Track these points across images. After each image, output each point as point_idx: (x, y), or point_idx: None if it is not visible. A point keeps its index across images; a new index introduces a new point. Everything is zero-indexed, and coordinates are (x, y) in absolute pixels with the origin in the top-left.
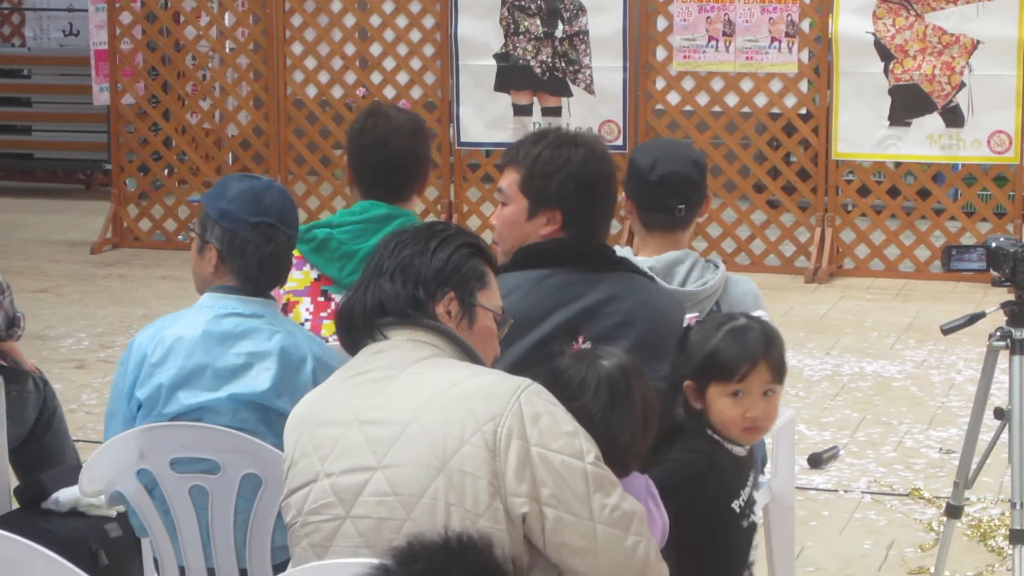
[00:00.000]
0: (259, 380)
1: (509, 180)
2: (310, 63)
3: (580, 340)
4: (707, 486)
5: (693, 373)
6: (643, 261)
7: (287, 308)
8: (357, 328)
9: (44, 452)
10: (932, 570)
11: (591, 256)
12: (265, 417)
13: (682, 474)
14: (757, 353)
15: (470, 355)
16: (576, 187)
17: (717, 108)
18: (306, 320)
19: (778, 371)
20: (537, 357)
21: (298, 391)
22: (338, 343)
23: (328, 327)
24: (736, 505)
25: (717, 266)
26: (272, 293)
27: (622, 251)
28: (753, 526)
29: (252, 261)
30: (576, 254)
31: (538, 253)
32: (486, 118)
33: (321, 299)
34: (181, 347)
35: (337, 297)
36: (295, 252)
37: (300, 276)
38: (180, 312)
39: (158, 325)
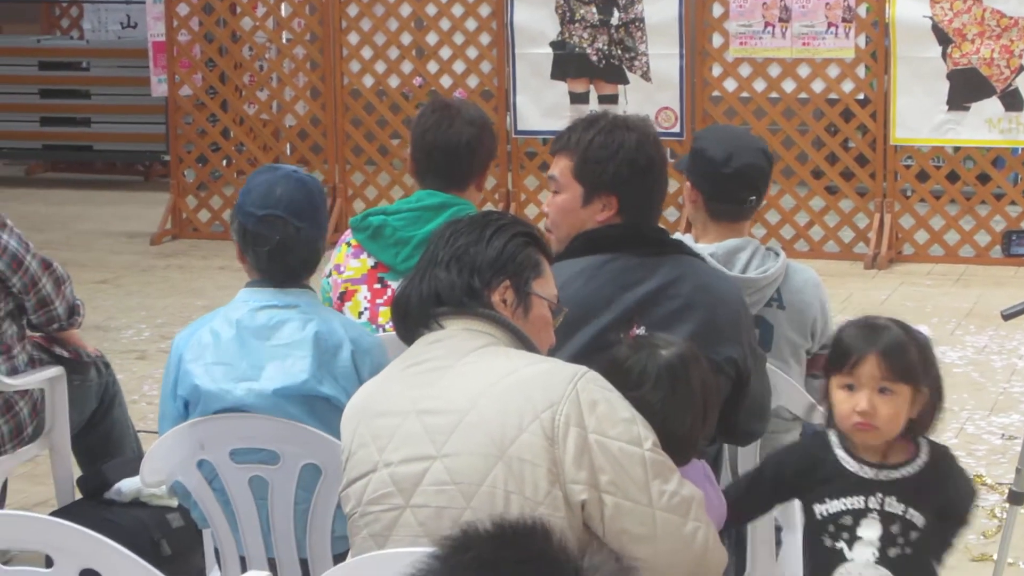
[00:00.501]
0: (297, 370)
1: (561, 167)
2: (367, 53)
3: (636, 327)
4: (788, 460)
5: (824, 366)
6: (704, 248)
7: (345, 297)
8: (412, 317)
9: (104, 438)
10: (995, 557)
11: (650, 240)
12: (311, 407)
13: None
14: (870, 345)
15: (525, 344)
16: (632, 171)
17: (774, 94)
18: (365, 308)
19: (896, 370)
20: (603, 343)
21: (338, 376)
22: (393, 332)
23: (385, 314)
24: (818, 510)
25: (778, 254)
26: (329, 281)
27: (681, 238)
28: (839, 556)
29: (261, 254)
30: (635, 238)
31: (597, 239)
32: (543, 106)
33: (378, 286)
34: (217, 345)
35: (393, 284)
36: (352, 241)
37: (357, 264)
38: (216, 310)
39: (196, 324)
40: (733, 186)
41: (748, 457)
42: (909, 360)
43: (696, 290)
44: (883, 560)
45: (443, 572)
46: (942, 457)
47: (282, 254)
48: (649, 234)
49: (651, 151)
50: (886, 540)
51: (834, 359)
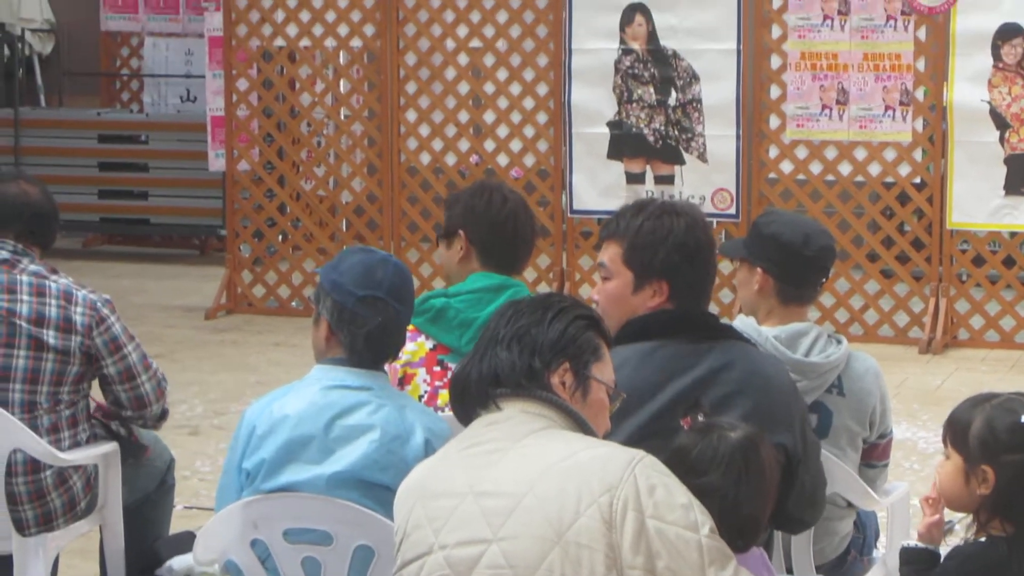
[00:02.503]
0: (360, 454)
1: (611, 254)
2: (424, 130)
3: (702, 412)
4: None
5: None
6: (767, 331)
7: (404, 381)
8: (471, 397)
9: (145, 525)
10: None
11: (700, 325)
12: (369, 492)
13: None
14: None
15: (583, 427)
16: (682, 257)
17: (831, 177)
18: (424, 392)
19: (949, 434)
20: (653, 430)
21: (404, 465)
22: (451, 412)
23: (444, 397)
24: None
25: (840, 341)
26: (387, 367)
27: (744, 320)
28: None
29: (359, 335)
30: (686, 324)
31: (648, 325)
32: (599, 186)
33: (437, 368)
34: (288, 420)
35: (453, 366)
36: (408, 326)
37: (414, 348)
38: (290, 384)
39: (269, 397)
40: (810, 269)
41: (802, 545)
42: (966, 430)
43: (747, 375)
44: None
45: None
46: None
47: (380, 336)
48: (700, 319)
49: (700, 236)
50: None
51: None
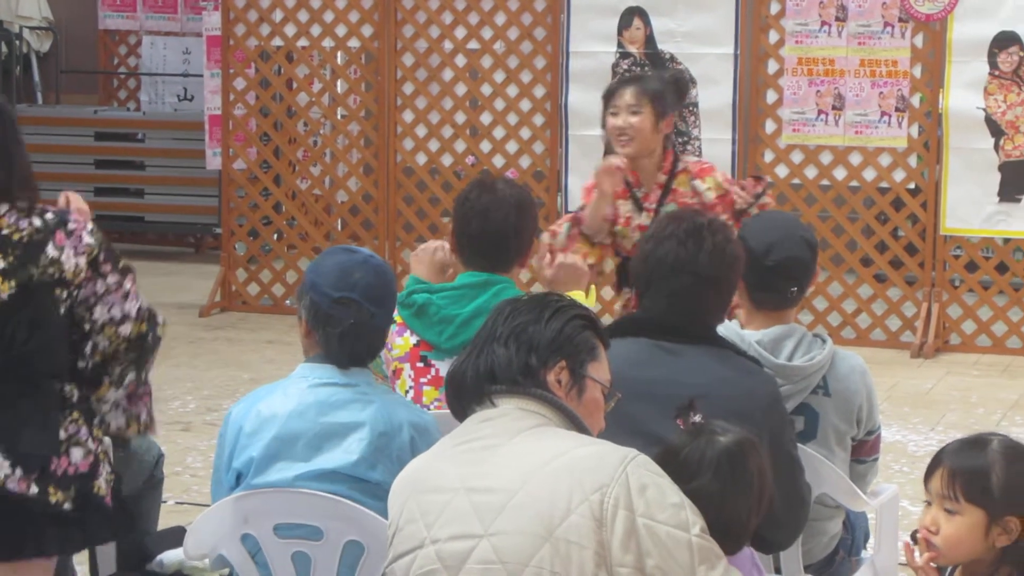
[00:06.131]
0: (351, 451)
1: None
2: (420, 131)
3: (694, 414)
4: None
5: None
6: (750, 335)
7: (395, 375)
8: (467, 392)
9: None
10: None
11: (667, 329)
12: (358, 487)
13: None
14: (945, 459)
15: (577, 425)
16: (634, 266)
17: (825, 182)
18: (410, 387)
19: (963, 490)
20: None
21: (393, 461)
22: (440, 410)
23: (428, 393)
24: None
25: (824, 341)
26: (382, 357)
27: (728, 326)
28: None
29: (333, 335)
30: (648, 325)
31: (612, 326)
32: None
33: (420, 365)
34: (276, 419)
35: (436, 363)
36: (396, 318)
37: (401, 342)
38: (275, 383)
39: (253, 397)
40: (773, 277)
41: (791, 549)
42: (983, 482)
43: (715, 381)
44: None
45: None
46: None
47: (353, 338)
48: (668, 323)
49: (650, 248)
50: None
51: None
